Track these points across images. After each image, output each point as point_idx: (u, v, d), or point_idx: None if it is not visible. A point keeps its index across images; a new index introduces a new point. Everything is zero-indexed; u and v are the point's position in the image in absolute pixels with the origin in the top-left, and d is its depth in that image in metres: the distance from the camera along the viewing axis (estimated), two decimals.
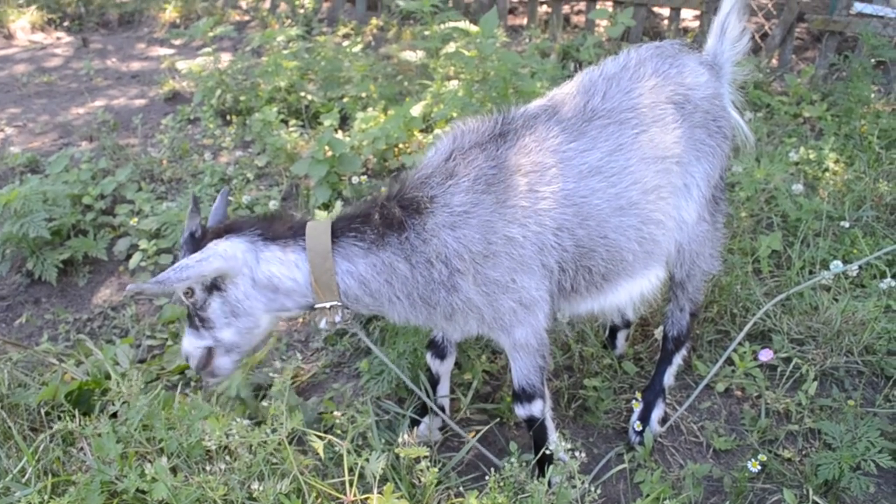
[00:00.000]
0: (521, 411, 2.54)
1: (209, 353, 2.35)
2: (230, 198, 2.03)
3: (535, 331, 2.40)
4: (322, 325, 2.26)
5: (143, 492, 2.20)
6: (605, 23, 6.21)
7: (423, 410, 2.86)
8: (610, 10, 5.94)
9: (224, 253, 2.16)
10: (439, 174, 2.28)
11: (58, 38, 7.64)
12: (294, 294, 2.27)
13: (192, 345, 2.34)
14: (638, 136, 2.40)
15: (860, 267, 3.44)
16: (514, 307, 2.32)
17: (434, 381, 2.83)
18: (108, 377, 2.92)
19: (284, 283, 2.24)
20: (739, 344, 2.98)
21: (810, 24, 5.54)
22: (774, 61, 5.70)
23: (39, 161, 5.06)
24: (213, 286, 2.23)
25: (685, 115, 2.51)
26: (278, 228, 2.28)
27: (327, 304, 2.25)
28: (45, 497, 2.19)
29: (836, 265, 3.33)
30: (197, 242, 2.26)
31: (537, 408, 2.52)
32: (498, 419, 2.94)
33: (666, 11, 6.42)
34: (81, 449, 2.50)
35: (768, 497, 2.62)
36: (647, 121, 2.42)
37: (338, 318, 2.29)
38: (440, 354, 2.78)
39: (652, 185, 2.43)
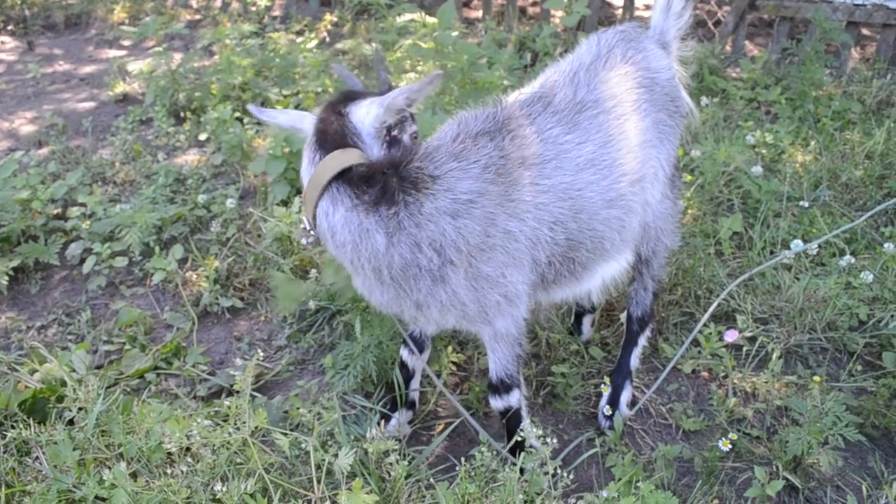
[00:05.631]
0: (498, 403, 2.49)
1: None
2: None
3: (516, 321, 2.36)
4: (298, 234, 2.31)
5: (103, 499, 2.13)
6: (560, 13, 6.22)
7: (393, 405, 2.82)
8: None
9: (301, 123, 2.29)
10: (445, 154, 2.17)
11: (2, 43, 7.41)
12: None
13: None
14: (622, 125, 2.38)
15: (820, 245, 3.48)
16: (500, 300, 2.26)
17: (409, 377, 2.79)
18: (63, 384, 2.82)
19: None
20: (704, 325, 2.98)
21: (762, 9, 5.61)
22: (728, 47, 5.75)
23: None
24: None
25: (653, 100, 2.51)
26: (330, 136, 2.19)
27: (306, 222, 2.24)
28: None
29: (797, 244, 3.36)
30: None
31: (515, 398, 2.48)
32: (467, 410, 2.91)
33: (620, 1, 6.45)
34: (37, 458, 2.41)
35: (739, 475, 2.63)
36: (628, 109, 2.41)
37: (304, 241, 2.34)
38: (419, 348, 2.73)
39: (638, 175, 2.42)
